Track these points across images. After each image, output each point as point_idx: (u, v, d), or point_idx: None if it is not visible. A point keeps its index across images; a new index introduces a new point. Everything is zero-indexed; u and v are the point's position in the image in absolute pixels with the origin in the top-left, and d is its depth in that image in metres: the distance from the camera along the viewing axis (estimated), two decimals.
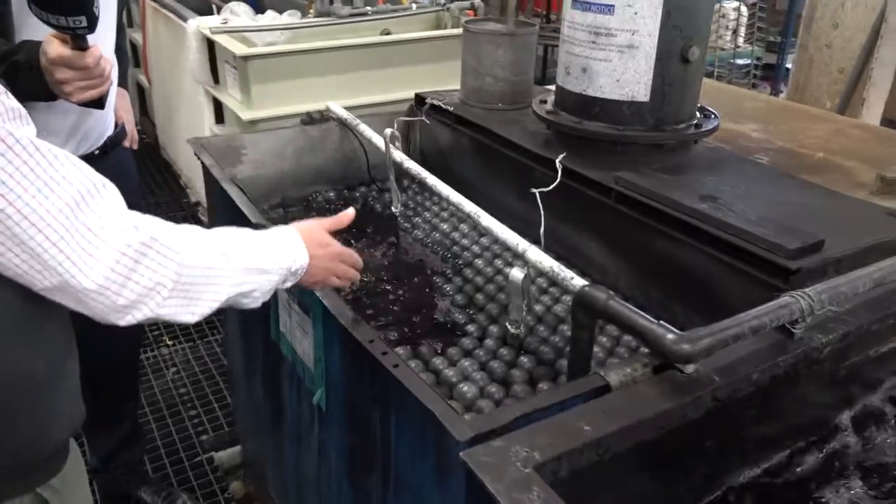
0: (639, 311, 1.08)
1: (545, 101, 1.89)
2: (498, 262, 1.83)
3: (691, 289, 1.51)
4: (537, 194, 1.40)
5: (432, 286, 1.76)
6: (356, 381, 1.30)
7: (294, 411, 1.65)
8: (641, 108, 1.68)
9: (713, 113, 1.83)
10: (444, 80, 3.22)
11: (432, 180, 1.69)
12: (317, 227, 1.25)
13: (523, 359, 1.48)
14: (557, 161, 1.47)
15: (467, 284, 1.75)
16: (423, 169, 1.74)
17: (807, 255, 1.32)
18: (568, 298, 1.69)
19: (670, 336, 1.02)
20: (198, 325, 3.15)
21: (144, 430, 2.47)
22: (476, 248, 1.90)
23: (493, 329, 1.58)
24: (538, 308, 1.64)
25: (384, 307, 1.69)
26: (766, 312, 1.10)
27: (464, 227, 2.01)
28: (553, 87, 2.59)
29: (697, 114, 1.79)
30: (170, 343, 2.99)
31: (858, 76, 2.86)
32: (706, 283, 1.47)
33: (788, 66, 6.37)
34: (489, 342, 1.54)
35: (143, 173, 4.77)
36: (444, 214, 2.09)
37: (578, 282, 1.28)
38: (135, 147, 2.02)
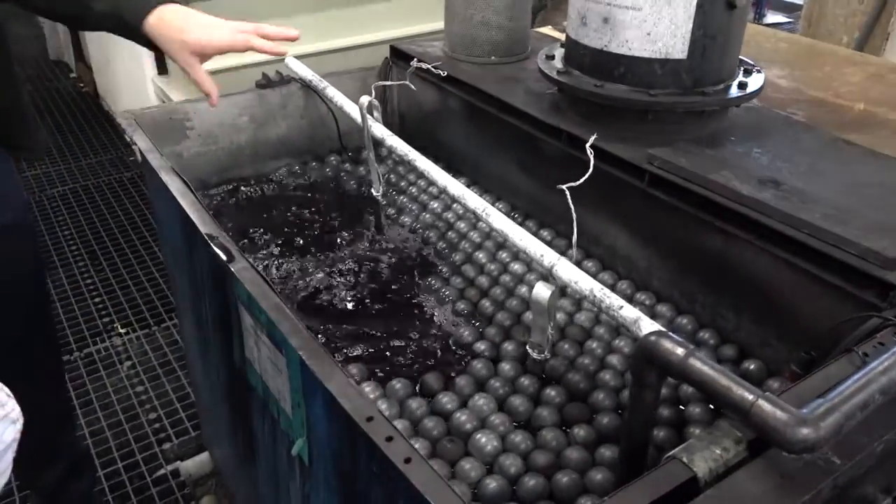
0: (732, 375, 0.81)
1: (552, 57, 1.57)
2: (503, 255, 1.54)
3: (749, 294, 1.25)
4: (566, 191, 1.10)
5: (427, 289, 1.47)
6: (347, 446, 1.02)
7: (268, 452, 1.37)
8: (678, 67, 1.37)
9: (753, 66, 1.52)
10: (425, 16, 2.84)
11: (424, 164, 1.38)
12: None
13: (550, 391, 1.21)
14: (588, 146, 1.17)
15: (470, 287, 1.46)
16: (411, 148, 1.42)
17: None
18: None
19: (781, 416, 0.75)
20: (154, 308, 2.84)
21: (95, 442, 2.19)
22: (475, 236, 1.61)
23: (508, 347, 1.30)
24: (559, 316, 1.37)
25: (370, 318, 1.40)
26: (894, 365, 0.83)
27: (458, 206, 1.71)
28: (547, 31, 2.26)
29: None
30: (122, 331, 2.66)
31: (882, 7, 2.56)
32: (770, 290, 1.21)
33: None
34: (505, 366, 1.26)
35: (81, 127, 4.32)
36: (434, 190, 1.78)
37: (630, 312, 1.00)
38: None
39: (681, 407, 1.20)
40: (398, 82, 1.60)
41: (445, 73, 1.57)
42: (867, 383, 0.80)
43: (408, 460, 0.81)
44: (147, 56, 3.25)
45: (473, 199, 1.26)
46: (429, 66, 1.55)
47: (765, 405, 0.76)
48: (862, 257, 1.06)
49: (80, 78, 4.95)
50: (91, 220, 3.38)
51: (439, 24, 2.78)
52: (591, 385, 1.22)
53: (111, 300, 2.84)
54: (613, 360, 1.27)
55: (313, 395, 1.08)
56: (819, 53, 2.20)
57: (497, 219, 1.22)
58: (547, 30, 2.25)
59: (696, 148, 1.35)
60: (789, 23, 5.67)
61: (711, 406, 1.19)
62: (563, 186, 1.11)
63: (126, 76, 3.71)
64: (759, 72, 1.50)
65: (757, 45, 2.23)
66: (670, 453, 0.81)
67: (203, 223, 1.23)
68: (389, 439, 0.83)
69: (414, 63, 1.55)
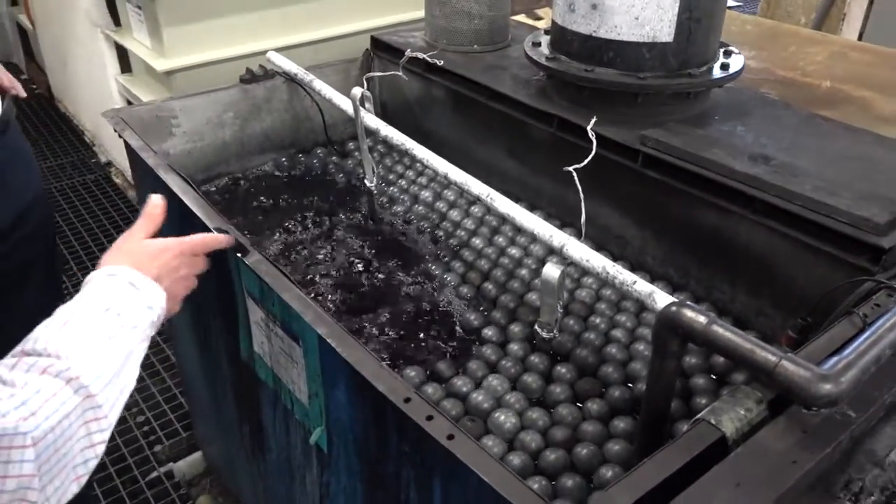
0: (752, 338, 0.85)
1: (538, 44, 1.60)
2: (499, 240, 1.57)
3: (744, 267, 1.30)
4: (574, 172, 1.13)
5: (429, 276, 1.49)
6: (373, 430, 1.04)
7: (281, 444, 1.38)
8: (665, 51, 1.41)
9: (732, 48, 1.58)
10: (397, 7, 2.84)
11: (422, 152, 1.40)
12: (136, 243, 0.99)
13: (561, 368, 1.24)
14: (589, 129, 1.20)
15: (470, 272, 1.49)
16: (407, 138, 1.44)
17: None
18: (590, 281, 1.46)
19: (805, 374, 0.80)
20: None
21: None
22: (469, 223, 1.63)
23: (515, 329, 1.34)
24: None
25: (372, 307, 1.42)
26: None
27: (449, 193, 1.73)
28: (522, 19, 2.30)
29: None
30: None
31: None
32: (765, 262, 1.26)
33: None
34: (514, 346, 1.30)
35: (38, 130, 4.21)
36: (423, 180, 1.80)
37: (644, 287, 1.04)
38: (23, 94, 1.56)
39: (686, 379, 1.25)
40: (389, 73, 1.61)
41: (441, 62, 1.59)
42: (878, 339, 0.85)
43: (451, 437, 0.83)
44: (109, 55, 3.19)
45: (477, 185, 1.29)
46: (424, 56, 1.57)
47: (788, 365, 0.81)
48: (854, 225, 1.12)
49: (32, 79, 4.81)
50: (57, 225, 3.31)
51: (411, 15, 2.79)
52: (599, 360, 1.26)
53: None
54: (618, 334, 1.31)
55: (334, 382, 1.10)
56: (783, 34, 2.28)
57: (502, 203, 1.25)
58: (521, 18, 2.29)
59: (685, 128, 1.40)
60: (739, 6, 5.81)
61: (713, 376, 1.24)
62: (570, 168, 1.14)
63: (85, 76, 3.63)
64: (738, 53, 1.55)
65: (724, 28, 2.30)
66: (698, 416, 0.86)
67: (210, 218, 1.23)
68: (430, 418, 0.86)
69: (408, 53, 1.57)
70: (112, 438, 2.29)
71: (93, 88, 3.53)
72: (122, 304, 0.88)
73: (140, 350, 0.90)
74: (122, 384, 0.85)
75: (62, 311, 0.85)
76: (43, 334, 0.81)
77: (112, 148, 3.72)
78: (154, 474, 2.10)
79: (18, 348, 0.81)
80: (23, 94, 1.54)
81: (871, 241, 1.10)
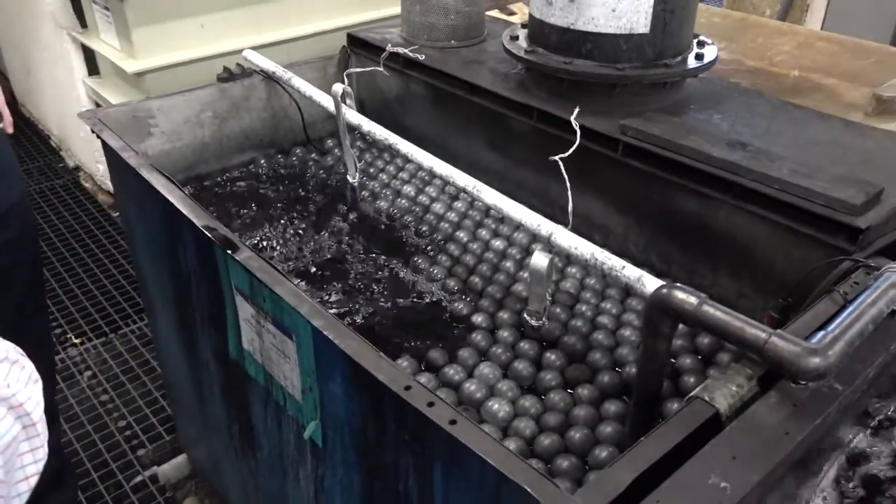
0: (742, 317, 0.88)
1: (516, 38, 1.62)
2: (483, 233, 1.59)
3: (724, 251, 1.33)
4: (560, 162, 1.15)
5: (416, 270, 1.50)
6: (371, 420, 1.05)
7: (273, 441, 1.38)
8: (641, 42, 1.44)
9: (705, 38, 1.61)
10: (374, 4, 2.83)
11: (406, 147, 1.41)
12: None
13: (550, 355, 1.26)
14: (573, 119, 1.22)
15: (457, 265, 1.50)
16: (390, 133, 1.45)
17: (871, 208, 1.16)
18: (574, 271, 1.48)
19: (794, 348, 0.83)
20: (108, 315, 2.76)
21: (72, 456, 2.12)
22: (453, 216, 1.65)
23: (504, 316, 1.35)
24: None
25: (362, 300, 1.43)
26: (879, 296, 0.92)
27: (431, 189, 1.74)
28: (496, 14, 2.32)
29: None
30: (77, 341, 2.58)
31: None
32: (744, 245, 1.29)
33: None
34: (504, 334, 1.31)
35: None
36: (404, 175, 1.81)
37: (633, 272, 1.06)
38: (10, 131, 1.60)
39: (672, 360, 1.27)
40: (370, 69, 1.62)
41: (422, 58, 1.59)
42: (861, 314, 0.89)
43: (453, 422, 0.84)
44: (76, 57, 3.14)
45: (462, 177, 1.30)
46: (405, 52, 1.58)
47: (778, 341, 0.84)
48: (831, 207, 1.15)
49: None
50: None
51: (385, 12, 2.80)
52: (587, 346, 1.28)
53: (60, 311, 2.74)
54: (604, 320, 1.34)
55: (329, 375, 1.11)
56: (751, 26, 2.33)
57: (489, 194, 1.26)
58: (494, 13, 2.31)
59: (663, 117, 1.43)
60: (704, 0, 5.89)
61: (700, 356, 1.27)
62: (556, 157, 1.16)
63: (51, 80, 3.56)
64: (711, 44, 1.59)
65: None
66: (692, 394, 0.88)
67: (197, 217, 1.23)
68: (431, 405, 0.87)
69: (389, 48, 1.57)
70: (94, 444, 2.27)
71: (59, 92, 3.47)
72: (14, 353, 0.83)
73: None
74: (45, 426, 0.82)
75: None
76: None
77: (80, 152, 3.66)
78: (138, 479, 2.08)
79: None
80: (9, 129, 1.55)
81: (849, 221, 1.13)
